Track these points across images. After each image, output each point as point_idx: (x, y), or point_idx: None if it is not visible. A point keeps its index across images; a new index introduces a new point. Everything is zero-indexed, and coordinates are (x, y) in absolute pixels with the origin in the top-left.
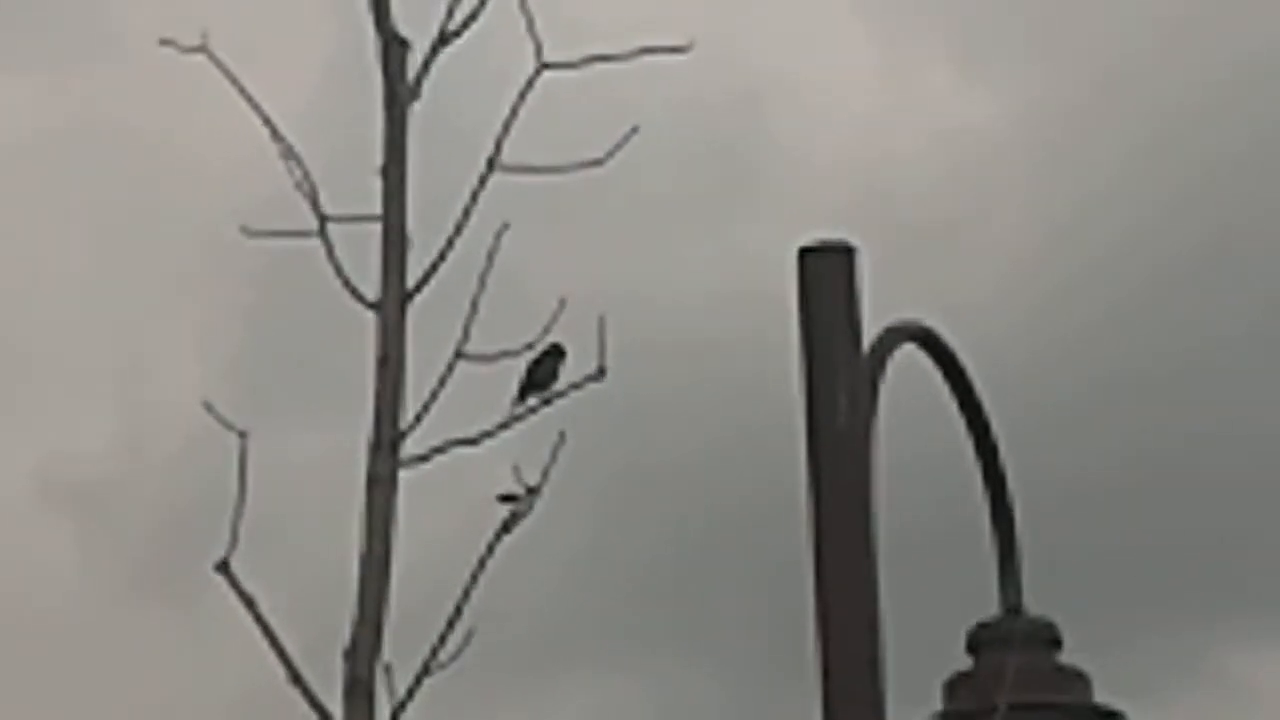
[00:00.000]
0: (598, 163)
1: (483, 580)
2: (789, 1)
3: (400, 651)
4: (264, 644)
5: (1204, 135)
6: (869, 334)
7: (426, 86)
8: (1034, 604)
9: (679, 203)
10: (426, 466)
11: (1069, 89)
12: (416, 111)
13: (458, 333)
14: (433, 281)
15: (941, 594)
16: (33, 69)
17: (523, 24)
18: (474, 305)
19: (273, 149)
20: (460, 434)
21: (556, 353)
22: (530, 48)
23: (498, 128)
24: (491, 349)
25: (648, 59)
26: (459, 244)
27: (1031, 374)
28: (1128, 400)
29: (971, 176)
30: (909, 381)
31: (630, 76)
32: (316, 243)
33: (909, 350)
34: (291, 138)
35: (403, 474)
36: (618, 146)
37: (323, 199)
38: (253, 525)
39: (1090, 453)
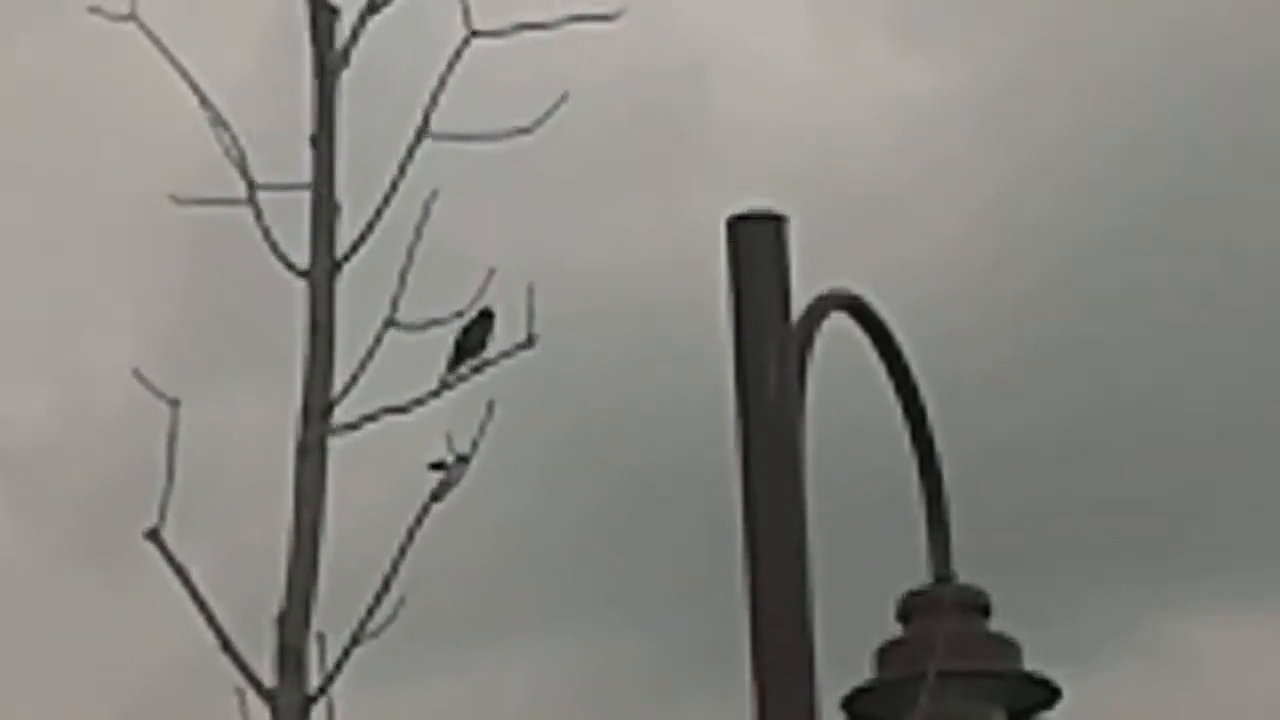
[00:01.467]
0: (527, 130)
1: (418, 548)
2: None
3: (333, 621)
4: (194, 612)
5: (1146, 103)
6: (802, 302)
7: (356, 54)
8: (966, 572)
9: (618, 172)
10: (357, 435)
11: (1009, 58)
12: (347, 79)
13: (388, 301)
14: (363, 250)
15: (873, 562)
16: None
17: None
18: (404, 273)
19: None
20: (391, 402)
21: (486, 318)
22: (460, 15)
23: (428, 96)
24: (423, 317)
25: (583, 28)
26: (390, 212)
27: (971, 340)
28: (1066, 366)
29: (912, 145)
30: (841, 351)
31: (570, 45)
32: (251, 215)
33: (842, 320)
34: (228, 106)
35: (333, 443)
36: (548, 114)
37: (259, 168)
38: (185, 494)
39: (1027, 419)
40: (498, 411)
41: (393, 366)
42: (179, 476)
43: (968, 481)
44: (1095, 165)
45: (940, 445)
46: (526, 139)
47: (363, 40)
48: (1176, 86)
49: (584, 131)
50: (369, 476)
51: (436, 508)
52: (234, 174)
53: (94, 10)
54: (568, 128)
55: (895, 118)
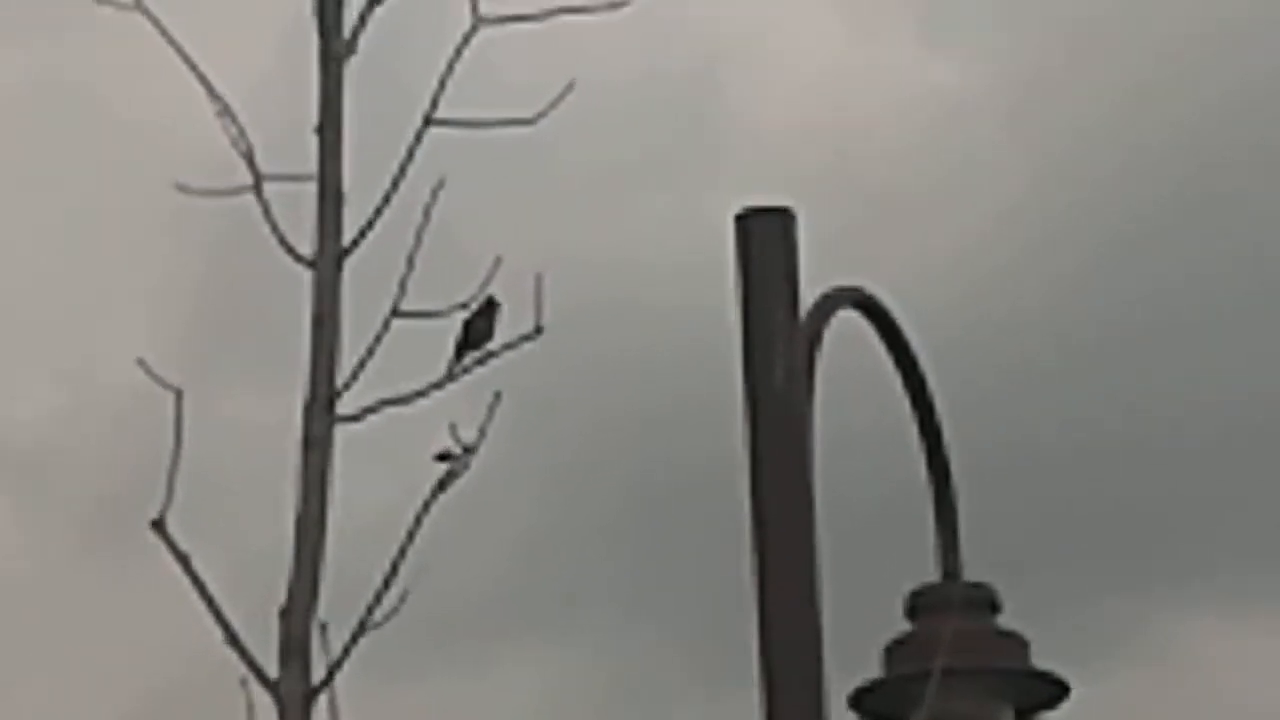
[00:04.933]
0: (533, 121)
1: (427, 547)
2: None
3: (338, 613)
4: (200, 604)
5: (1170, 101)
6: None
7: (362, 43)
8: (971, 573)
9: (631, 167)
10: (362, 426)
11: (1034, 55)
12: (353, 69)
13: (394, 291)
14: (370, 239)
15: (881, 559)
16: None
17: None
18: (410, 262)
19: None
20: (397, 392)
21: (492, 308)
22: (467, 3)
23: (434, 85)
24: (430, 307)
25: (594, 20)
26: (396, 202)
27: (988, 339)
28: (1081, 366)
29: (932, 144)
30: (851, 349)
31: (582, 38)
32: (257, 204)
33: (853, 319)
34: (238, 100)
35: (339, 433)
36: (554, 102)
37: (269, 161)
38: (192, 489)
39: (1038, 419)
40: (507, 409)
41: (398, 357)
42: (186, 472)
43: (974, 483)
44: (1118, 165)
45: (949, 442)
46: (537, 134)
47: (369, 29)
48: (1201, 85)
49: (596, 126)
50: (374, 467)
51: (447, 507)
52: (242, 168)
53: (102, 2)
54: (579, 122)
55: (916, 115)
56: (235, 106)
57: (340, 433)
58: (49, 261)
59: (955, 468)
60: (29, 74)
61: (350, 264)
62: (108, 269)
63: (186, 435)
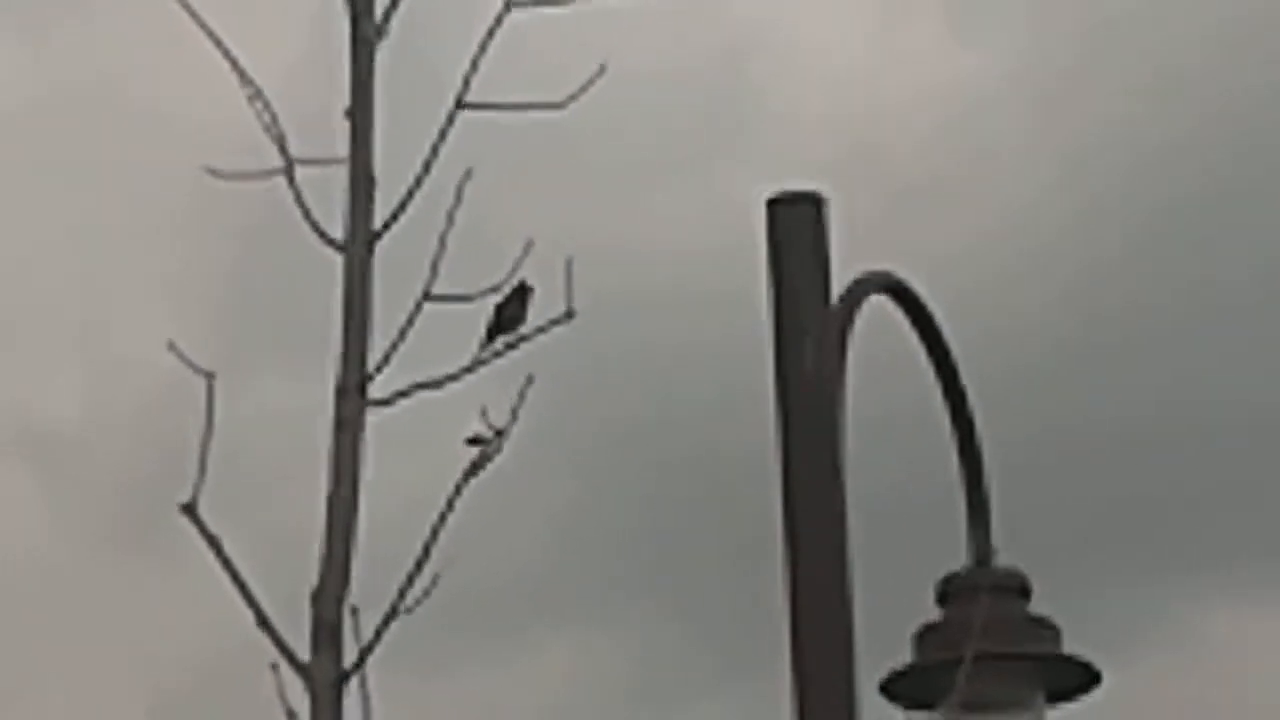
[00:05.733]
0: (563, 105)
1: (457, 539)
2: None
3: (369, 598)
4: (231, 588)
5: (1196, 91)
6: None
7: (394, 26)
8: (1004, 558)
9: (661, 155)
10: (393, 410)
11: (1061, 44)
12: (384, 53)
13: (424, 275)
14: (400, 223)
15: (912, 545)
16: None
17: None
18: (441, 245)
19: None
20: (428, 376)
21: (523, 292)
22: None
23: (465, 68)
24: (459, 291)
25: (623, 5)
26: (428, 186)
27: (1015, 329)
28: (1108, 355)
29: (961, 131)
30: (883, 335)
31: (612, 26)
32: (287, 185)
33: (884, 305)
34: (271, 82)
35: (370, 418)
36: (585, 87)
37: (301, 144)
38: (223, 475)
39: (1064, 409)
40: (538, 394)
41: (430, 341)
42: (217, 457)
43: (1001, 472)
44: (1147, 151)
45: (981, 428)
46: (567, 119)
47: (400, 12)
48: (1229, 73)
49: (626, 111)
50: (405, 452)
51: (477, 494)
52: (273, 152)
53: None
54: (609, 110)
55: (943, 103)
56: (266, 90)
57: (371, 416)
58: (80, 248)
59: (989, 456)
60: (61, 60)
61: (381, 248)
62: (139, 254)
63: (217, 420)
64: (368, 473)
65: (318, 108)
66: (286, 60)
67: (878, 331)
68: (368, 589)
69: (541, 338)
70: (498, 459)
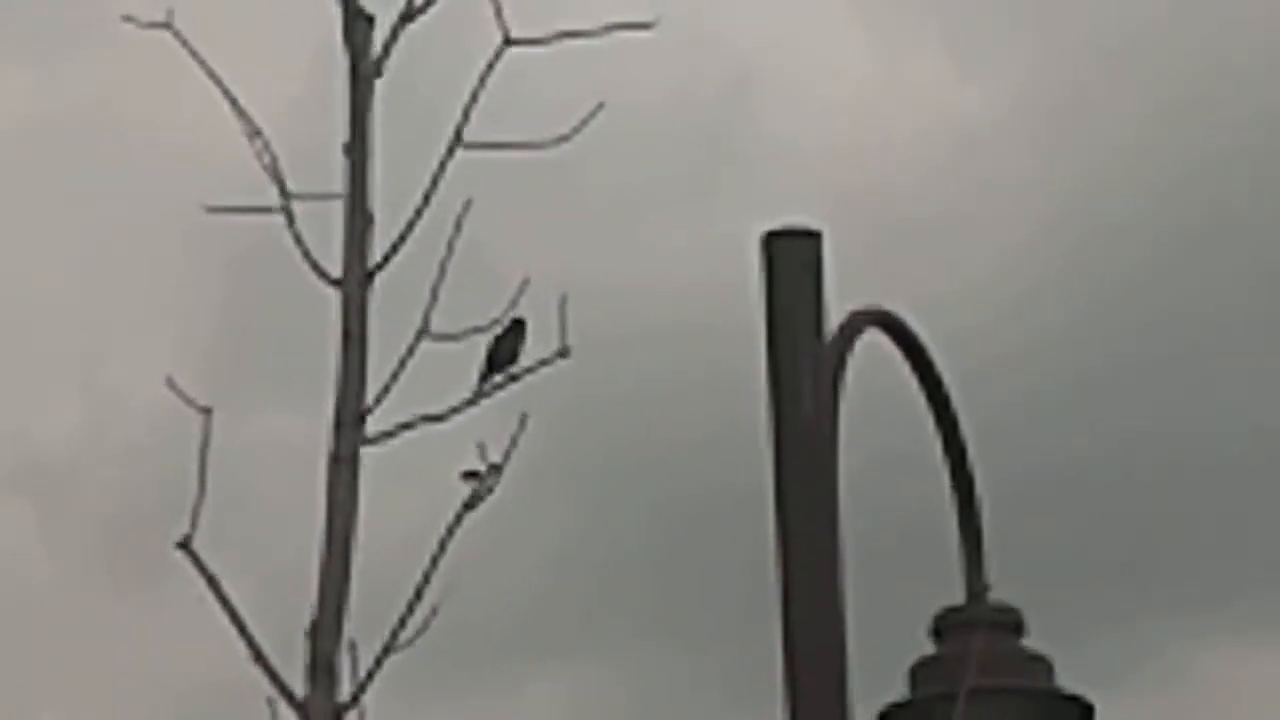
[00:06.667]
0: (563, 139)
1: (454, 569)
2: None
3: (366, 632)
4: (227, 623)
5: (1198, 124)
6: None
7: (391, 63)
8: (999, 593)
9: (660, 188)
10: (390, 445)
11: (1062, 77)
12: (381, 89)
13: (421, 311)
14: (397, 259)
15: (906, 580)
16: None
17: None
18: (439, 281)
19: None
20: (424, 412)
21: (518, 327)
22: (496, 24)
23: (463, 104)
24: (456, 328)
25: (624, 41)
26: (425, 222)
27: (1018, 363)
28: (1102, 391)
29: (962, 165)
30: (877, 371)
31: (611, 59)
32: (285, 223)
33: (878, 340)
34: (269, 117)
35: (366, 452)
36: (584, 123)
37: (298, 179)
38: (219, 509)
39: (1059, 445)
40: (534, 430)
41: (426, 377)
42: (213, 492)
43: (995, 507)
44: (1149, 184)
45: (973, 463)
46: (565, 155)
47: (397, 49)
48: (1232, 105)
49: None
50: (402, 487)
51: (475, 528)
52: (270, 187)
53: (127, 19)
54: (608, 143)
55: (944, 136)
56: (265, 126)
57: (368, 452)
58: (77, 280)
59: (984, 490)
60: (58, 93)
61: (377, 283)
62: (135, 288)
63: (213, 454)
64: (363, 507)
65: (316, 143)
66: (286, 95)
67: (873, 367)
68: (364, 622)
69: (538, 371)
70: (495, 493)
